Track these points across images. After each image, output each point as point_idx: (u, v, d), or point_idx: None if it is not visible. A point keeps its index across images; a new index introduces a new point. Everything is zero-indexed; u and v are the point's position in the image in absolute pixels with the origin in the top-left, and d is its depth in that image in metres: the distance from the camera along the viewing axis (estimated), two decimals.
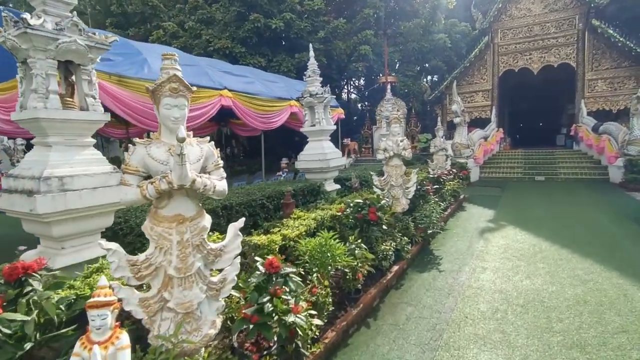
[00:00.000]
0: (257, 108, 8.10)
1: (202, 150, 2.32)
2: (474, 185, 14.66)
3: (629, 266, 5.21)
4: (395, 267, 5.05)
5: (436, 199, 7.67)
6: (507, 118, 23.53)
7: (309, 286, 3.45)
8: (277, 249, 4.13)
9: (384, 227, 5.12)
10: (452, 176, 11.07)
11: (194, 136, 2.49)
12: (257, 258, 3.03)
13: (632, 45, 16.30)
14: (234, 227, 2.46)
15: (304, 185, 6.43)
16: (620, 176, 13.04)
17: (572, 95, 18.71)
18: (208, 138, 2.43)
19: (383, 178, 6.92)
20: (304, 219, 5.06)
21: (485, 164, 17.30)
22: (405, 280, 5.04)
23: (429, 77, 28.18)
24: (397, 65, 23.80)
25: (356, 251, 4.21)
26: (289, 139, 29.99)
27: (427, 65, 24.45)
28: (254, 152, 27.15)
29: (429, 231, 6.34)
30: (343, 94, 31.05)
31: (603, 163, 14.90)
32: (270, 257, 2.69)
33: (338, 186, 7.83)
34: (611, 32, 16.62)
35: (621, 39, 16.43)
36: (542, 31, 18.23)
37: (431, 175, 9.08)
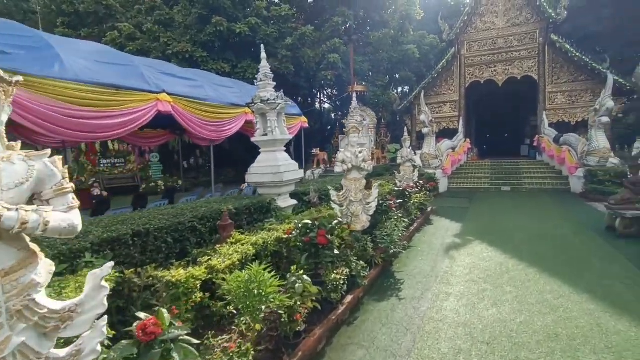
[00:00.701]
0: (205, 115, 7.37)
1: (29, 170, 1.58)
2: (442, 197, 14.39)
3: (597, 287, 4.83)
4: (349, 298, 4.43)
5: (400, 214, 7.16)
6: (474, 129, 23.75)
7: (226, 338, 2.75)
8: (198, 286, 3.42)
9: (336, 251, 4.49)
10: (419, 188, 10.68)
11: (51, 147, 1.78)
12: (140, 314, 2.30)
13: (587, 60, 16.71)
14: (95, 276, 1.74)
15: (250, 203, 5.74)
16: (581, 186, 13.10)
17: (535, 107, 19.01)
18: (48, 151, 1.69)
19: (342, 193, 6.34)
20: (244, 244, 4.38)
21: (453, 174, 17.16)
22: (360, 312, 4.42)
23: (399, 89, 28.27)
24: (368, 75, 23.58)
25: (297, 285, 3.55)
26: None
27: (397, 75, 24.47)
28: (223, 162, 26.22)
29: (391, 251, 5.77)
30: (316, 103, 30.65)
31: (564, 173, 15.02)
32: (149, 318, 1.94)
33: (294, 202, 7.19)
34: (568, 47, 17.01)
35: (577, 54, 16.83)
36: (506, 44, 18.48)
37: (396, 189, 8.60)
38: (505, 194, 14.37)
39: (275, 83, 7.06)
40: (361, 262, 4.95)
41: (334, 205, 6.28)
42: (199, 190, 11.25)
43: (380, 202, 6.75)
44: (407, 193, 8.44)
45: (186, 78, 7.48)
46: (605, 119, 12.57)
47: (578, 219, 9.21)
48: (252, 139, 6.95)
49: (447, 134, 19.51)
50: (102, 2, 21.70)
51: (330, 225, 4.55)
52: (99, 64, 5.90)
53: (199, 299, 3.46)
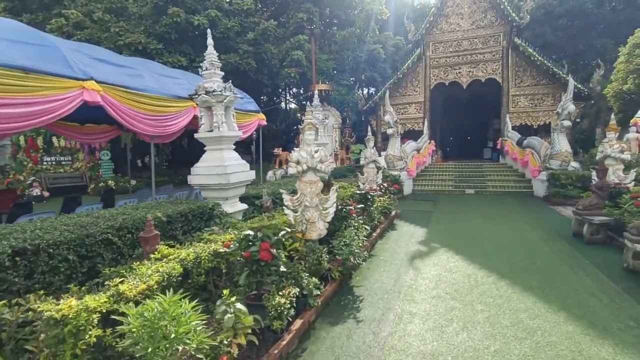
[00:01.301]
0: (144, 107, 6.44)
1: None
2: (407, 199, 14.03)
3: (573, 303, 4.41)
4: (298, 323, 3.73)
5: (362, 220, 6.55)
6: (438, 131, 23.80)
7: None
8: (95, 321, 2.61)
9: (283, 268, 3.79)
10: (382, 191, 10.17)
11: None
12: None
13: (549, 65, 17.00)
14: None
15: (188, 208, 4.91)
16: (544, 190, 13.12)
17: (498, 110, 19.20)
18: None
19: (296, 197, 5.64)
20: (171, 260, 3.58)
21: (418, 176, 16.91)
22: (310, 340, 3.73)
23: (365, 90, 27.96)
24: (333, 74, 23.04)
25: (227, 316, 2.82)
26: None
27: (363, 76, 24.09)
28: (180, 160, 24.82)
29: (349, 264, 5.14)
30: (282, 102, 29.82)
31: (527, 176, 15.11)
32: None
33: (244, 206, 6.42)
34: (531, 50, 17.25)
35: (540, 58, 17.10)
36: (471, 46, 18.52)
37: (358, 192, 8.01)
38: (470, 197, 14.22)
39: (222, 73, 6.28)
40: (314, 280, 4.26)
41: (286, 211, 5.57)
42: (146, 192, 10.20)
43: (340, 207, 6.11)
44: (369, 197, 7.87)
45: (122, 65, 6.51)
46: (567, 123, 12.65)
47: (544, 224, 9.01)
48: (196, 135, 6.12)
49: (412, 135, 19.32)
50: None
51: (276, 238, 3.83)
52: (3, 42, 4.89)
53: (95, 338, 2.65)
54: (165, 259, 3.67)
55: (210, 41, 6.23)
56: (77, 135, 10.65)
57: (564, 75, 16.37)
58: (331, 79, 21.53)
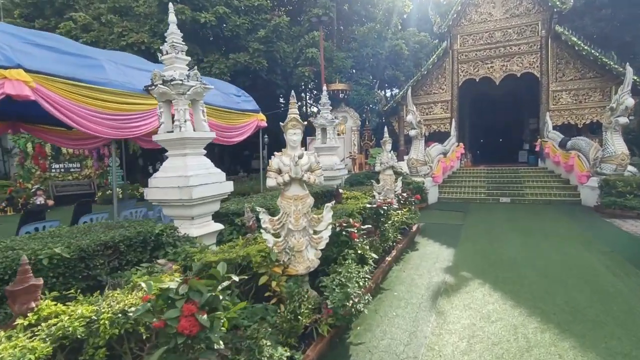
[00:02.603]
0: (102, 105, 5.26)
1: None
2: (431, 209, 12.37)
3: None
4: None
5: (368, 245, 5.08)
6: (467, 132, 21.84)
7: None
8: None
9: (220, 344, 2.39)
10: (402, 202, 8.64)
11: None
12: None
13: (597, 55, 14.89)
14: None
15: (119, 236, 3.61)
16: (595, 199, 11.14)
17: (536, 108, 17.17)
18: None
19: (277, 217, 4.25)
20: (52, 324, 2.28)
21: (444, 182, 15.18)
22: None
23: (389, 92, 26.23)
24: (351, 72, 21.55)
25: None
26: (239, 152, 27.05)
27: (384, 75, 22.50)
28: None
29: (343, 312, 3.68)
30: (302, 105, 28.53)
31: (572, 183, 13.11)
32: None
33: (218, 227, 5.08)
34: (575, 39, 15.20)
35: (586, 48, 15.02)
36: (504, 38, 16.62)
37: (369, 205, 6.53)
38: (505, 207, 12.38)
39: (188, 59, 4.98)
40: (282, 352, 2.84)
41: (265, 236, 4.19)
42: (131, 203, 9.08)
43: (338, 228, 4.68)
44: (382, 211, 6.37)
45: (75, 54, 5.38)
46: (624, 120, 10.68)
47: (603, 243, 7.21)
48: (154, 137, 4.85)
49: (438, 137, 17.58)
50: None
51: (210, 295, 2.43)
52: None
53: None
54: (42, 324, 2.37)
55: (172, 18, 4.96)
56: (64, 141, 9.67)
57: (616, 66, 14.23)
58: (349, 78, 20.07)
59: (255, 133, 9.25)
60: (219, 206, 5.14)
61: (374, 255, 4.97)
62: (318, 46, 18.32)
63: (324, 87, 9.49)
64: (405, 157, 14.86)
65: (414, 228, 8.52)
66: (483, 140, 25.91)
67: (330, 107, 9.65)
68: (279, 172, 4.22)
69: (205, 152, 5.03)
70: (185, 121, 4.59)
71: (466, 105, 20.27)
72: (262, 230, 4.27)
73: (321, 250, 4.31)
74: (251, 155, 28.16)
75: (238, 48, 17.10)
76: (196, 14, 15.68)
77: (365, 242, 5.09)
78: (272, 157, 4.29)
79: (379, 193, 8.97)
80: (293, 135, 4.17)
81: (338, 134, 19.23)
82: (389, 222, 6.73)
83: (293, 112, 4.26)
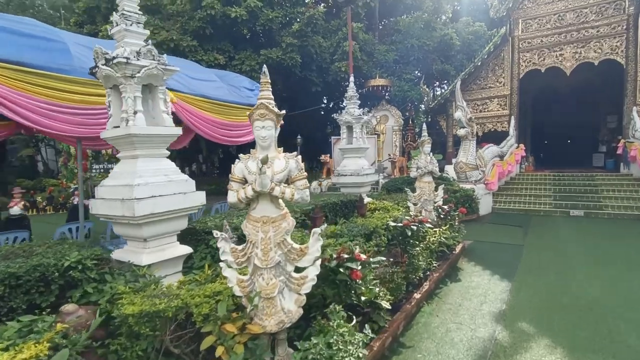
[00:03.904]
0: (56, 96, 4.32)
1: None
2: (483, 222, 10.46)
3: None
4: None
5: (376, 288, 3.64)
6: (530, 131, 19.21)
7: None
8: None
9: None
10: (443, 215, 7.01)
11: None
12: None
13: None
14: None
15: (9, 272, 2.52)
16: None
17: (615, 103, 14.40)
18: None
19: (241, 247, 2.97)
20: None
21: (500, 190, 13.07)
22: None
23: (439, 90, 23.96)
24: (395, 67, 19.78)
25: None
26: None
27: (433, 69, 20.47)
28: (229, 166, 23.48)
29: None
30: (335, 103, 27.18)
31: None
32: None
33: (185, 250, 3.90)
34: None
35: None
36: (578, 19, 14.05)
37: (393, 224, 5.04)
38: (577, 222, 10.14)
39: (146, 33, 3.85)
40: None
41: (225, 272, 2.94)
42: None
43: (334, 263, 3.30)
44: (410, 233, 4.85)
45: (35, 36, 4.47)
46: None
47: None
48: (101, 135, 3.78)
49: (493, 137, 15.37)
50: None
51: None
52: None
53: None
54: None
55: None
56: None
57: None
58: (391, 73, 18.34)
59: None
60: (185, 223, 3.96)
61: (386, 305, 3.49)
62: (356, 39, 16.89)
63: (351, 77, 8.07)
64: (454, 161, 12.99)
65: (457, 249, 6.85)
66: (548, 141, 22.85)
67: (359, 101, 8.22)
68: (245, 182, 2.94)
69: (167, 153, 3.86)
70: (134, 113, 3.46)
71: (528, 100, 17.74)
72: (221, 264, 3.04)
73: (304, 294, 2.97)
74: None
75: (271, 43, 16.15)
76: (227, 9, 14.94)
77: (374, 281, 3.65)
78: (237, 160, 3.02)
79: (415, 204, 7.41)
80: (261, 129, 2.85)
81: (377, 134, 17.65)
82: (421, 245, 5.19)
83: (264, 95, 2.95)
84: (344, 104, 8.07)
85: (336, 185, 8.38)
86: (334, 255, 3.35)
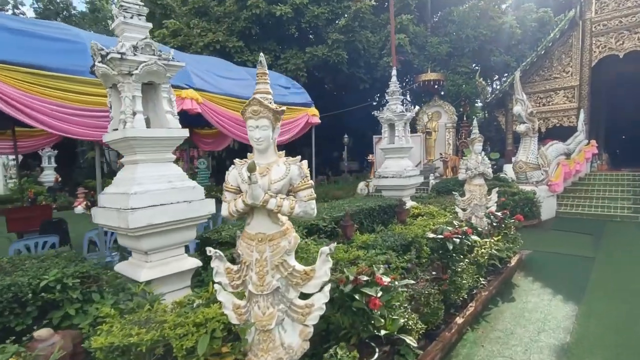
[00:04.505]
0: (69, 98, 4.22)
1: None
2: (545, 228, 9.30)
3: None
4: None
5: (405, 315, 3.06)
6: (603, 126, 17.06)
7: None
8: None
9: None
10: (495, 223, 6.17)
11: None
12: None
13: None
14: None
15: None
16: None
17: None
18: None
19: (236, 268, 2.57)
20: None
21: (566, 192, 11.62)
22: None
23: (497, 84, 22.09)
24: (449, 60, 18.47)
25: None
26: (328, 152, 25.98)
27: (491, 61, 18.90)
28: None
29: None
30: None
31: None
32: None
33: (193, 264, 3.61)
34: None
35: None
36: None
37: (432, 235, 4.39)
38: None
39: (149, 25, 3.59)
40: None
41: (220, 297, 2.59)
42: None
43: (348, 291, 2.78)
44: (452, 246, 4.17)
45: (52, 38, 4.43)
46: None
47: None
48: (103, 138, 3.58)
49: (559, 134, 13.77)
50: (157, 2, 20.80)
51: None
52: None
53: None
54: None
55: None
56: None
57: None
58: (445, 67, 17.15)
59: (306, 131, 7.68)
60: (193, 234, 3.65)
61: (412, 343, 2.89)
62: (406, 31, 16.00)
63: (394, 71, 7.44)
64: (513, 160, 11.77)
65: (513, 261, 5.98)
66: (626, 136, 20.24)
67: (402, 97, 7.57)
68: (240, 192, 2.53)
69: (173, 157, 3.58)
70: (133, 114, 3.20)
71: (601, 91, 15.71)
72: (215, 287, 2.67)
73: (311, 325, 2.52)
74: (340, 155, 26.78)
75: (317, 41, 15.81)
76: (272, 7, 14.80)
77: (403, 306, 3.07)
78: (231, 167, 2.62)
79: (464, 209, 6.67)
80: (255, 129, 2.44)
81: (428, 132, 16.63)
82: (465, 260, 4.49)
83: (259, 89, 2.52)
84: (389, 102, 7.44)
85: (377, 188, 7.78)
86: (351, 278, 2.83)
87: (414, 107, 9.65)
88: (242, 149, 21.51)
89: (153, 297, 3.07)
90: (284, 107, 2.54)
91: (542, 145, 11.67)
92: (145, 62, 3.19)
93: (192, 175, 20.27)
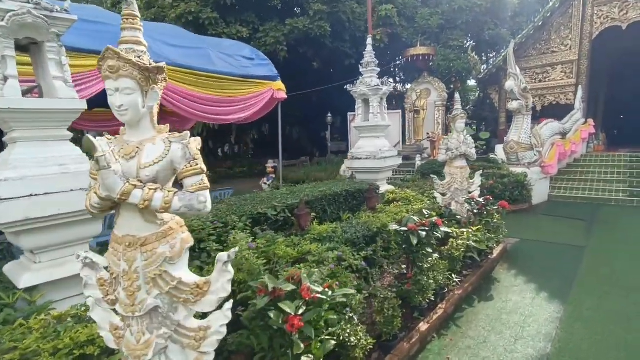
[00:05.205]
0: None
1: None
2: (536, 213, 8.75)
3: None
4: None
5: (347, 326, 2.46)
6: (602, 104, 16.35)
7: None
8: None
9: None
10: (477, 210, 5.57)
11: None
12: None
13: None
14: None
15: None
16: None
17: None
18: None
19: (110, 280, 1.94)
20: None
21: (561, 174, 11.03)
22: None
23: (491, 60, 21.13)
24: (440, 33, 17.47)
25: None
26: (315, 132, 25.10)
27: (485, 35, 17.99)
28: (266, 148, 22.69)
29: None
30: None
31: None
32: None
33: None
34: None
35: None
36: None
37: (394, 228, 3.76)
38: None
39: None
40: None
41: (92, 314, 1.95)
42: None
43: (263, 305, 2.16)
44: (416, 240, 3.55)
45: None
46: None
47: None
48: None
49: (555, 112, 13.07)
50: None
51: None
52: None
53: None
54: None
55: None
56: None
57: None
58: (435, 40, 16.20)
59: (272, 108, 6.95)
60: (100, 229, 3.01)
61: None
62: (394, 1, 15.01)
63: (369, 39, 6.68)
64: (505, 140, 11.11)
65: (496, 252, 5.41)
66: (625, 115, 19.55)
67: (378, 69, 6.82)
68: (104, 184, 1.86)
69: (67, 135, 2.89)
70: (4, 79, 2.50)
71: (602, 67, 14.90)
72: (88, 302, 2.06)
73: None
74: (332, 137, 25.99)
75: (299, 13, 14.82)
76: None
77: (349, 317, 2.48)
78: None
79: (443, 194, 6.07)
80: (115, 94, 1.75)
81: (417, 110, 15.88)
82: (434, 255, 3.88)
83: (125, 37, 1.82)
84: (363, 76, 6.71)
85: (350, 170, 7.14)
86: (270, 287, 2.22)
87: (396, 84, 8.91)
88: (227, 129, 20.69)
89: (33, 308, 2.46)
90: (162, 63, 1.85)
91: (537, 125, 11.00)
92: (14, 10, 2.47)
93: None
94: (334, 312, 2.43)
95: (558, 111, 12.97)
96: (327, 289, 2.35)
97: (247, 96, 6.23)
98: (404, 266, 4.12)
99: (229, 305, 1.91)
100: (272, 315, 2.08)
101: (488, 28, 16.98)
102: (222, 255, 1.86)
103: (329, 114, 16.65)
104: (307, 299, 2.16)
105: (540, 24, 13.38)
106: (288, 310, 2.05)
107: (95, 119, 7.94)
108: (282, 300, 2.16)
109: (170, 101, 5.21)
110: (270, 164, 13.87)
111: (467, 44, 16.67)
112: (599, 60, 13.94)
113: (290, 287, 2.26)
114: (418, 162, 12.92)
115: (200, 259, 3.08)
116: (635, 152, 11.35)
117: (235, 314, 2.33)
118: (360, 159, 6.66)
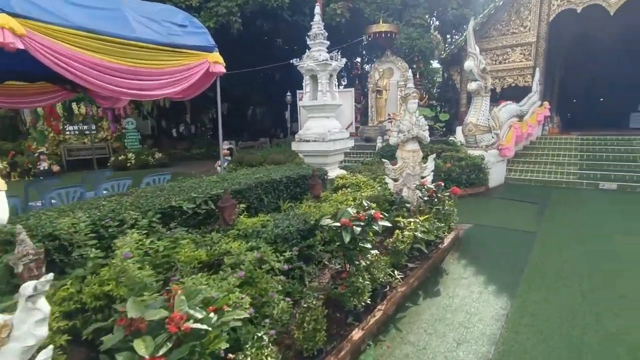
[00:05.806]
0: None
1: None
2: (492, 197, 8.60)
3: None
4: None
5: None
6: (557, 87, 16.57)
7: None
8: None
9: None
10: (427, 197, 5.20)
11: None
12: None
13: None
14: None
15: None
16: None
17: None
18: None
19: None
20: None
21: (517, 157, 11.00)
22: None
23: (457, 39, 20.86)
24: (402, 11, 16.92)
25: None
26: (278, 112, 24.17)
27: (449, 14, 17.64)
28: (226, 127, 21.55)
29: None
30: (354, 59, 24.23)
31: None
32: None
33: None
34: None
35: None
36: None
37: (327, 222, 3.27)
38: (610, 198, 8.13)
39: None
40: None
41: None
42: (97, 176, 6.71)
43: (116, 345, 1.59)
44: (349, 238, 3.08)
45: None
46: None
47: None
48: None
49: (513, 94, 13.02)
50: None
51: None
52: None
53: None
54: None
55: None
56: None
57: None
58: (398, 18, 15.67)
59: (209, 84, 6.19)
60: None
61: None
62: None
63: (317, 8, 6.03)
64: (464, 122, 10.89)
65: (447, 241, 5.09)
66: (577, 99, 20.05)
67: (328, 42, 6.20)
68: None
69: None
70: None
71: (558, 51, 15.00)
72: None
73: None
74: (292, 118, 25.21)
75: None
76: None
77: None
78: None
79: (395, 180, 5.67)
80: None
81: (379, 91, 15.41)
82: (373, 251, 3.44)
83: None
84: (311, 50, 6.06)
85: (298, 153, 6.55)
86: (130, 315, 1.65)
87: (363, 64, 8.33)
88: (181, 108, 19.43)
89: None
90: None
91: (496, 107, 10.83)
92: None
93: (119, 137, 18.13)
94: (227, 340, 1.90)
95: (517, 93, 12.92)
96: (212, 314, 1.81)
97: (176, 68, 5.45)
98: (339, 265, 3.69)
99: (46, 354, 1.34)
100: (120, 358, 1.52)
101: (451, 7, 16.62)
102: (26, 288, 1.27)
103: (288, 93, 15.88)
104: (174, 332, 1.61)
105: (500, 3, 13.14)
106: (141, 352, 1.50)
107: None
108: (141, 335, 1.60)
109: (71, 71, 4.35)
110: (225, 146, 13.10)
111: (431, 23, 16.24)
112: (555, 43, 13.97)
113: (161, 314, 1.70)
114: (379, 144, 12.55)
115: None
116: (587, 135, 11.51)
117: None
118: (308, 141, 6.10)
